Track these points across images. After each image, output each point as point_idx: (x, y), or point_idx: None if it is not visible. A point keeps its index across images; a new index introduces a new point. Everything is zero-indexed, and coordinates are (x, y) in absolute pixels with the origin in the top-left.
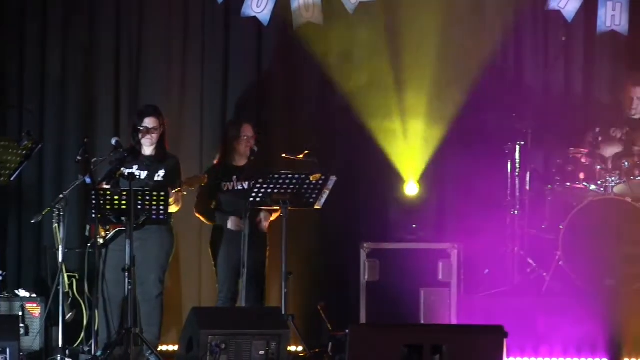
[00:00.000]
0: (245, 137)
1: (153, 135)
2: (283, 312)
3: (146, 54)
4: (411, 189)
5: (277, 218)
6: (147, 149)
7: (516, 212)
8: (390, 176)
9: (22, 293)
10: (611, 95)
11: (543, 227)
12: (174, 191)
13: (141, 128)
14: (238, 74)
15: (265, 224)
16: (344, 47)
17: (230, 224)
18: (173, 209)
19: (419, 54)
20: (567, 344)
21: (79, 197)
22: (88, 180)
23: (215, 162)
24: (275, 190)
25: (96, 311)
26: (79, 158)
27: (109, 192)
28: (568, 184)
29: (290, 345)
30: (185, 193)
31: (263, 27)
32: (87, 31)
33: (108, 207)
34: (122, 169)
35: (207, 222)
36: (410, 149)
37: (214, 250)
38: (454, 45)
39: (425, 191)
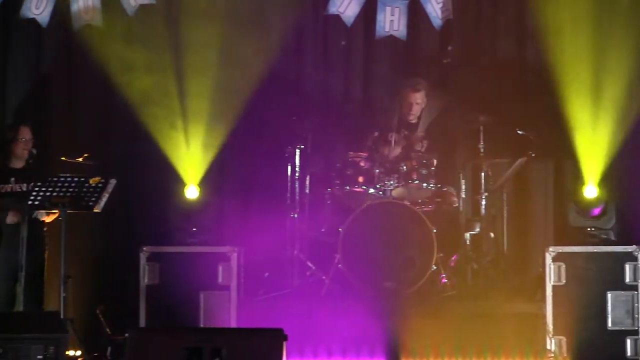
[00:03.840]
0: (23, 140)
1: None
2: (62, 316)
3: None
4: (191, 192)
5: (55, 220)
6: None
7: (296, 216)
8: (172, 180)
9: None
10: (390, 99)
11: (322, 230)
12: None
13: None
14: (17, 75)
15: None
16: (124, 50)
17: (9, 218)
18: None
19: (200, 58)
20: (347, 345)
21: None
22: None
23: None
24: (54, 193)
25: None
26: None
27: None
28: (347, 187)
29: (68, 350)
30: None
31: (42, 29)
32: None
33: None
34: None
35: None
36: (191, 153)
37: None
38: (235, 48)
39: (207, 195)
